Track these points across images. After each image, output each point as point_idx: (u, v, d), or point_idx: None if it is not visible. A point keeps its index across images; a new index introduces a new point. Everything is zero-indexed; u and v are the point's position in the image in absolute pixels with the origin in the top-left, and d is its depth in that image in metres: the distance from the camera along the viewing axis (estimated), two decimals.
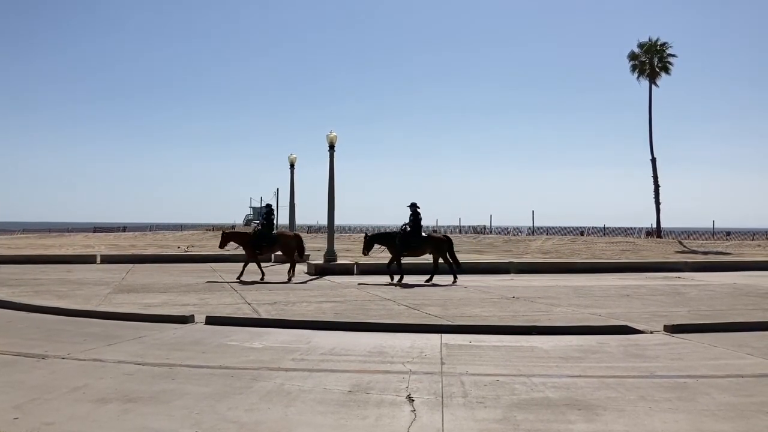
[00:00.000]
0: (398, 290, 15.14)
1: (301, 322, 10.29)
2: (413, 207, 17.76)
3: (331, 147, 21.88)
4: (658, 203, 55.72)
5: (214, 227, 78.80)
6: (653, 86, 56.09)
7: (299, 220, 42.49)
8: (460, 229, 73.48)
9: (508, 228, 72.53)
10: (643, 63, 55.97)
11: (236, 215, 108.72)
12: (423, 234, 17.85)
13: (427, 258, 18.33)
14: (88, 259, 24.76)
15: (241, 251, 19.19)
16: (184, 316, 10.58)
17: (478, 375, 6.82)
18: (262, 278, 17.47)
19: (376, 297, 13.78)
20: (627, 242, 45.87)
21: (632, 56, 56.43)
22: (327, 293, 14.62)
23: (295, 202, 30.45)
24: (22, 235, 53.03)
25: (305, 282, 17.50)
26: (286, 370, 7.06)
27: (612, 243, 45.24)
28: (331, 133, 21.90)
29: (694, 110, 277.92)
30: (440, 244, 17.91)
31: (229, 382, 6.49)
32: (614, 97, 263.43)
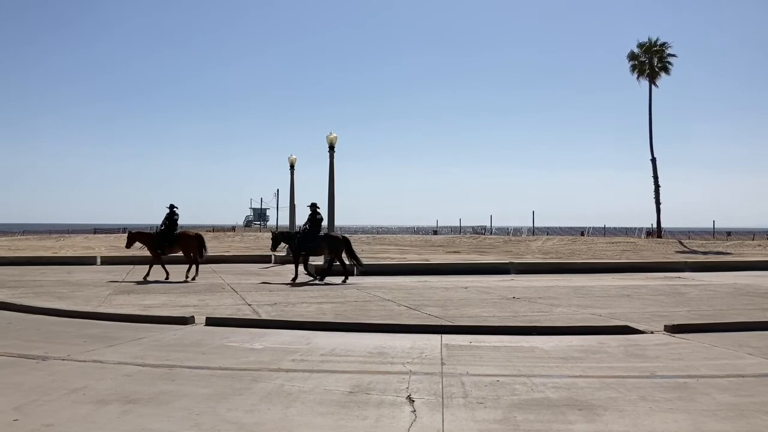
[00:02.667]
0: (398, 291, 15.13)
1: (301, 322, 10.29)
2: (312, 207, 18.47)
3: (331, 148, 21.91)
4: (658, 203, 55.82)
5: (214, 228, 78.91)
6: (653, 86, 56.24)
7: (300, 221, 42.42)
8: (461, 230, 73.56)
9: (508, 228, 72.62)
10: (642, 63, 56.07)
11: (237, 216, 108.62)
12: (321, 234, 18.44)
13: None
14: (88, 261, 24.78)
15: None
16: (184, 317, 10.58)
17: (479, 375, 6.81)
18: (166, 278, 17.74)
19: (376, 298, 13.77)
20: (627, 242, 45.90)
21: (632, 56, 56.51)
22: (327, 294, 14.62)
23: (296, 202, 30.45)
24: (22, 237, 53.04)
25: (305, 283, 17.50)
26: (287, 371, 7.05)
27: (612, 243, 45.26)
28: (331, 133, 21.94)
29: (694, 110, 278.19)
30: (337, 243, 18.33)
31: (229, 383, 6.48)
32: (614, 98, 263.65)
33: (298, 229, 19.01)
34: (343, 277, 17.83)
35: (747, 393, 6.14)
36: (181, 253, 18.58)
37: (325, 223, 19.66)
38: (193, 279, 17.75)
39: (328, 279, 17.91)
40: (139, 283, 17.07)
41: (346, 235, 20.52)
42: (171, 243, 18.44)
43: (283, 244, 18.99)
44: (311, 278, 18.03)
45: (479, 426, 5.14)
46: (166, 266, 18.23)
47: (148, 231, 20.14)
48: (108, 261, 24.85)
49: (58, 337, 9.11)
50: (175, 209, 18.80)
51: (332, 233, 20.12)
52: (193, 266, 18.29)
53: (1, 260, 24.73)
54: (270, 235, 20.12)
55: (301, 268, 18.21)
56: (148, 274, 17.79)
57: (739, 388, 6.34)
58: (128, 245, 19.13)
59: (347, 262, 18.32)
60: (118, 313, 11.19)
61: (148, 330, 9.71)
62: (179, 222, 18.95)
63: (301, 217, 20.78)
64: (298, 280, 17.45)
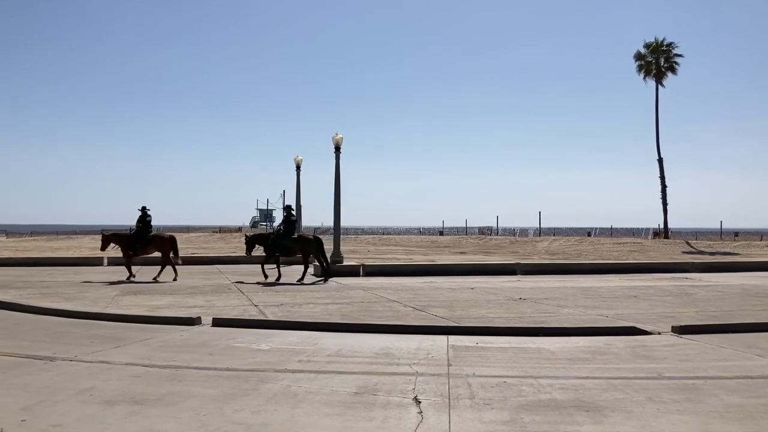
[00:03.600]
0: (404, 292, 15.13)
1: (307, 323, 10.30)
2: (287, 210, 19.20)
3: (337, 149, 21.90)
4: (665, 204, 55.58)
5: (221, 229, 79.14)
6: (660, 86, 56.01)
7: (306, 222, 42.48)
8: (467, 231, 73.49)
9: (514, 229, 72.49)
10: (649, 63, 55.86)
11: (243, 217, 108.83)
12: (294, 235, 18.92)
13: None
14: (95, 262, 24.83)
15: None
16: (190, 318, 10.61)
17: (485, 377, 6.80)
18: (128, 278, 18.00)
19: (382, 298, 13.77)
20: (634, 243, 45.76)
21: (638, 56, 56.33)
22: (333, 295, 14.63)
23: (302, 203, 30.49)
24: (30, 238, 53.31)
25: (311, 284, 17.52)
26: (293, 371, 7.06)
27: (619, 244, 45.15)
28: (336, 134, 21.92)
29: (701, 110, 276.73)
30: (308, 245, 18.88)
31: (236, 383, 6.49)
32: (621, 98, 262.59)
33: (271, 231, 19.71)
34: (322, 279, 18.38)
35: (755, 394, 6.11)
36: (159, 254, 18.85)
37: (332, 222, 19.91)
38: (174, 280, 17.91)
39: (309, 279, 18.31)
40: (147, 283, 17.24)
41: (318, 236, 21.03)
42: (144, 244, 18.74)
43: (258, 246, 19.36)
44: (271, 279, 18.27)
45: (486, 427, 5.13)
46: (132, 268, 18.55)
47: (123, 232, 20.47)
48: (115, 262, 24.78)
49: (65, 338, 9.15)
50: (147, 211, 19.11)
51: (305, 234, 20.57)
52: (168, 267, 18.55)
53: (9, 261, 24.86)
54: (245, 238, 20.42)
55: (305, 268, 18.52)
56: (130, 275, 18.18)
57: (747, 389, 6.31)
58: (103, 247, 19.42)
59: (325, 263, 18.89)
60: (125, 314, 11.22)
61: (155, 331, 9.74)
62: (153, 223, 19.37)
63: (309, 218, 20.97)
64: (268, 280, 17.82)
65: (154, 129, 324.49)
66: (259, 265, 18.72)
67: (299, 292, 15.14)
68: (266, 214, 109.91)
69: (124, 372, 6.99)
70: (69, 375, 6.83)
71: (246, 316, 11.05)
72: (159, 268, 18.46)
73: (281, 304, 12.69)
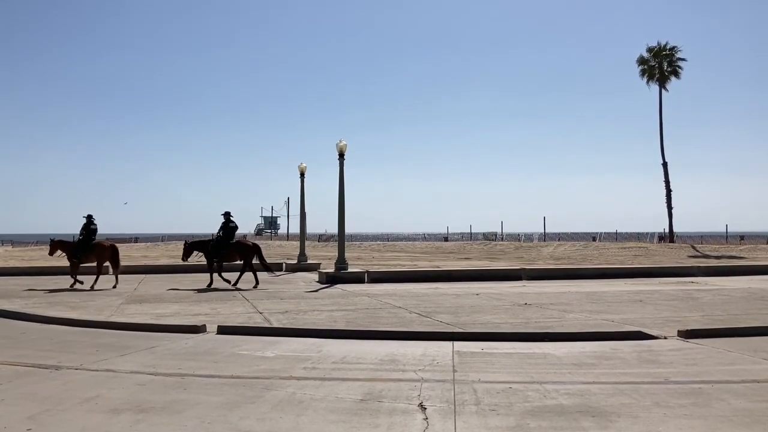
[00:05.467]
0: (409, 298, 15.11)
1: (312, 330, 10.29)
2: (226, 216, 19.28)
3: (341, 155, 21.95)
4: (670, 208, 55.44)
5: None
6: (663, 90, 55.99)
7: (310, 229, 42.56)
8: (471, 236, 73.43)
9: (519, 234, 72.38)
10: (652, 67, 55.87)
11: (248, 224, 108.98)
12: (232, 242, 19.37)
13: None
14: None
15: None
16: (195, 326, 10.62)
17: (491, 382, 6.78)
18: (72, 285, 18.38)
19: (387, 305, 13.76)
20: (639, 247, 45.63)
21: (641, 61, 56.35)
22: (338, 302, 14.62)
23: (306, 210, 30.52)
24: (35, 247, 53.42)
25: (316, 290, 17.53)
26: (298, 378, 7.05)
27: (624, 248, 45.01)
28: (340, 141, 21.97)
29: (705, 114, 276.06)
30: (247, 250, 19.25)
31: (241, 391, 6.49)
32: (624, 102, 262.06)
33: (211, 238, 20.14)
34: (254, 283, 18.67)
35: (763, 398, 6.08)
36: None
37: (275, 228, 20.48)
38: (114, 287, 18.40)
39: (241, 284, 18.54)
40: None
41: (257, 242, 21.63)
42: (87, 252, 19.13)
43: (196, 253, 19.75)
44: (227, 284, 18.51)
45: None
46: (77, 276, 18.85)
47: (69, 240, 20.98)
48: (120, 270, 24.96)
49: (71, 347, 9.17)
50: (92, 219, 19.47)
51: (243, 240, 20.84)
52: (110, 275, 19.17)
53: (15, 270, 24.95)
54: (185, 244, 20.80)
55: (241, 273, 18.96)
56: (85, 282, 18.51)
57: (754, 393, 6.28)
58: (51, 253, 19.91)
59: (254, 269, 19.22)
60: (130, 323, 11.24)
61: (160, 339, 9.75)
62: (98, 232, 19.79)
63: (314, 226, 21.10)
64: (213, 286, 18.19)
65: (158, 138, 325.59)
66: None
67: (304, 300, 15.14)
68: (271, 222, 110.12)
69: (129, 380, 7.00)
70: (74, 384, 6.84)
71: (251, 324, 11.06)
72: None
73: (286, 312, 12.70)
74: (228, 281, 18.51)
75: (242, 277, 18.89)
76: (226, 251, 19.01)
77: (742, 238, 58.45)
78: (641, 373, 7.29)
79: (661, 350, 8.65)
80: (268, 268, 20.20)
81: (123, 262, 19.79)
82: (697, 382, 6.72)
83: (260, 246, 20.20)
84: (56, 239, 20.41)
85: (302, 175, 29.56)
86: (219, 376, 7.19)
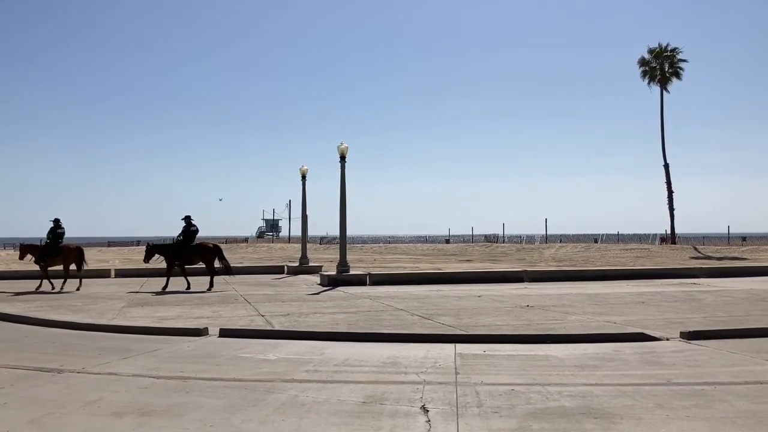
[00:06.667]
0: (411, 300, 15.10)
1: (314, 333, 10.29)
2: (187, 220, 19.67)
3: (342, 158, 21.96)
4: (671, 209, 55.44)
5: (227, 240, 79.21)
6: (664, 92, 56.01)
7: (312, 231, 42.53)
8: (473, 238, 73.35)
9: (521, 236, 72.29)
10: (653, 69, 55.93)
11: (250, 227, 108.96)
12: (193, 244, 19.75)
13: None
14: (102, 274, 24.88)
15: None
16: (197, 329, 10.61)
17: (493, 384, 6.78)
18: (37, 288, 18.77)
19: (389, 307, 13.75)
20: (641, 249, 45.63)
21: (642, 62, 56.41)
22: (340, 304, 14.62)
23: (308, 213, 30.51)
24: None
25: (318, 293, 17.52)
26: (300, 381, 7.05)
27: (626, 250, 45.01)
28: (342, 144, 21.99)
29: (707, 115, 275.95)
30: (208, 252, 19.71)
31: (243, 394, 6.49)
32: (625, 104, 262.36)
33: (172, 241, 20.53)
34: (208, 286, 18.93)
35: (766, 400, 6.06)
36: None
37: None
38: (78, 289, 18.68)
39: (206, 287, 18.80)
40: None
41: (218, 244, 21.95)
42: (54, 255, 19.46)
43: (157, 256, 19.97)
44: (187, 286, 18.84)
45: None
46: (51, 279, 19.22)
47: (37, 244, 21.36)
48: (122, 273, 24.98)
49: (73, 350, 9.17)
50: (59, 223, 19.75)
51: (204, 242, 21.02)
52: (77, 278, 19.34)
53: (17, 274, 24.92)
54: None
55: (211, 275, 19.35)
56: (42, 285, 18.89)
57: (757, 394, 6.26)
58: (21, 257, 20.42)
59: (216, 270, 19.85)
60: (132, 326, 11.24)
61: (162, 342, 9.75)
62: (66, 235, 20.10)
63: (316, 228, 21.10)
64: (168, 289, 18.29)
65: (161, 142, 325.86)
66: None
67: (306, 302, 15.14)
68: (272, 225, 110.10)
69: (131, 383, 7.00)
70: (77, 387, 6.84)
71: (253, 327, 11.05)
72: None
73: (288, 314, 12.69)
74: (189, 284, 18.87)
75: (213, 279, 19.35)
76: (187, 254, 19.42)
77: (744, 239, 58.38)
78: (644, 374, 7.27)
79: (663, 352, 8.64)
80: (230, 270, 20.57)
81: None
82: (699, 384, 6.70)
83: (221, 247, 20.70)
84: (26, 243, 20.96)
85: (304, 177, 29.55)
86: (221, 379, 7.18)
